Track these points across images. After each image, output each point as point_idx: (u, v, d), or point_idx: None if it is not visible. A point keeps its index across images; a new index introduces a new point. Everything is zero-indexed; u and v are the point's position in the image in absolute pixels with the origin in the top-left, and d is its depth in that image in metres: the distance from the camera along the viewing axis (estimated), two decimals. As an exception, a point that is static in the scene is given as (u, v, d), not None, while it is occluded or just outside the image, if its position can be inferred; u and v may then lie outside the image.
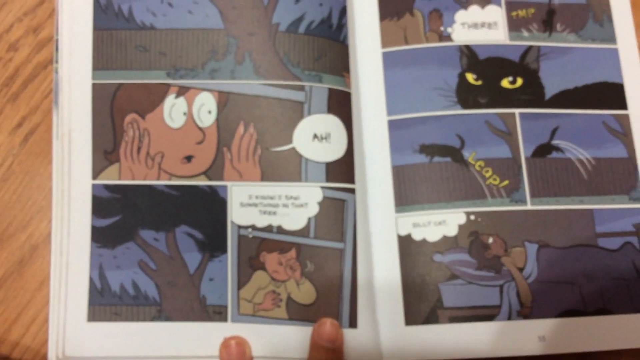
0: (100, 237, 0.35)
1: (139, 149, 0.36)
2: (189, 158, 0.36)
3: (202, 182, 0.36)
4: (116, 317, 0.35)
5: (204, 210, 0.36)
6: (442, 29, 0.39)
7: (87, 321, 0.35)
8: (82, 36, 0.37)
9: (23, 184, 0.38)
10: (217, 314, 0.35)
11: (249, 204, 0.36)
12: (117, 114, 0.36)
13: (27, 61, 0.39)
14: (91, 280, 0.35)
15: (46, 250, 0.37)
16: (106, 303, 0.35)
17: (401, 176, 0.37)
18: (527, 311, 0.35)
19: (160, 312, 0.35)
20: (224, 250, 0.35)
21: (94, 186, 0.36)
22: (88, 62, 0.37)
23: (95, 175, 0.36)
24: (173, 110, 0.36)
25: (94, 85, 0.36)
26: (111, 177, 0.36)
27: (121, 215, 0.36)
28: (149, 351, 0.34)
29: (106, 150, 0.36)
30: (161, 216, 0.36)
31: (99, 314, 0.35)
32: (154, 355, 0.34)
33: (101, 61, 0.37)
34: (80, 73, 0.37)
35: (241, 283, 0.35)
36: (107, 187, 0.36)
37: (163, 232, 0.36)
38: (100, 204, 0.36)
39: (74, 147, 0.36)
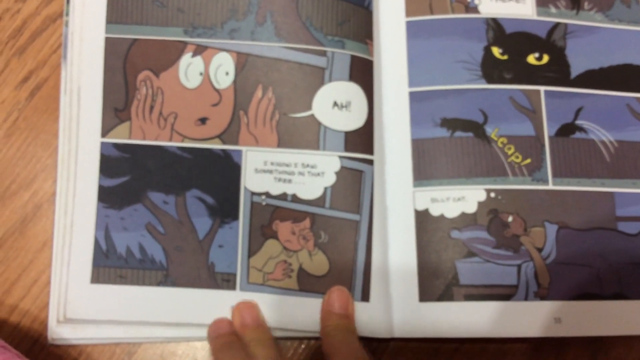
0: (107, 198, 0.34)
1: (151, 108, 0.35)
2: (203, 120, 0.35)
3: (216, 145, 0.35)
4: (121, 280, 0.34)
5: (216, 175, 0.34)
6: (469, 0, 0.38)
7: (90, 283, 0.34)
8: None
9: (28, 140, 0.36)
10: (226, 281, 0.34)
11: (263, 170, 0.34)
12: (129, 71, 0.35)
13: (36, 13, 0.38)
14: (96, 241, 0.34)
15: (50, 210, 0.36)
16: (111, 265, 0.34)
17: (420, 150, 0.36)
18: (544, 292, 0.34)
19: (167, 277, 0.34)
20: (235, 216, 0.34)
21: (103, 144, 0.34)
22: (102, 15, 0.35)
23: (104, 134, 0.35)
24: (189, 69, 0.35)
25: (106, 39, 0.35)
26: (121, 136, 0.35)
27: (130, 175, 0.34)
28: (153, 316, 0.33)
29: (117, 108, 0.35)
30: (172, 179, 0.34)
31: (103, 276, 0.34)
32: (158, 321, 0.33)
33: (115, 14, 0.35)
34: (93, 26, 0.35)
35: (252, 251, 0.34)
36: (117, 146, 0.35)
37: (173, 195, 0.34)
38: (109, 163, 0.34)
39: (83, 104, 0.35)
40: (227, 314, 0.33)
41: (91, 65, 0.35)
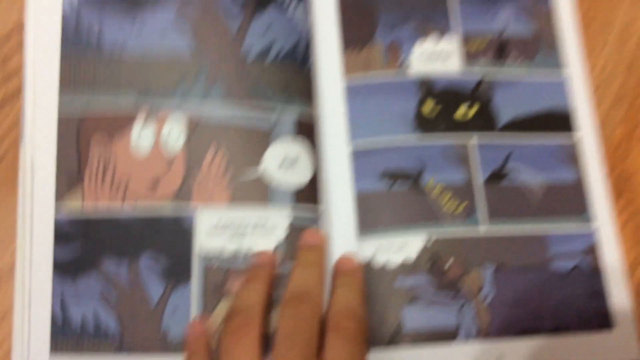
0: (62, 269, 0.36)
1: (103, 177, 0.37)
2: (154, 184, 0.37)
3: (168, 207, 0.36)
4: (78, 349, 0.35)
5: (168, 238, 0.36)
6: (401, 59, 0.41)
7: (49, 353, 0.35)
8: (48, 66, 0.37)
9: (-13, 214, 0.38)
10: (181, 347, 0.35)
11: (216, 228, 0.36)
12: (83, 144, 0.37)
13: (-6, 92, 0.40)
14: (53, 313, 0.35)
15: (9, 281, 0.37)
16: (68, 335, 0.35)
17: (363, 202, 0.38)
18: (484, 332, 0.36)
19: (122, 345, 0.35)
20: (188, 279, 0.36)
21: (57, 217, 0.36)
22: (54, 94, 0.37)
23: (57, 207, 0.36)
24: (141, 136, 0.37)
25: (59, 119, 0.37)
26: (74, 207, 0.36)
27: (83, 246, 0.36)
28: None
29: (70, 182, 0.37)
30: (124, 245, 0.36)
31: (61, 345, 0.35)
32: None
33: (67, 86, 0.37)
34: (46, 106, 0.37)
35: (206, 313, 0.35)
36: (70, 216, 0.36)
37: (125, 261, 0.36)
38: (63, 235, 0.36)
39: (37, 178, 0.36)
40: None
41: (44, 142, 0.37)
